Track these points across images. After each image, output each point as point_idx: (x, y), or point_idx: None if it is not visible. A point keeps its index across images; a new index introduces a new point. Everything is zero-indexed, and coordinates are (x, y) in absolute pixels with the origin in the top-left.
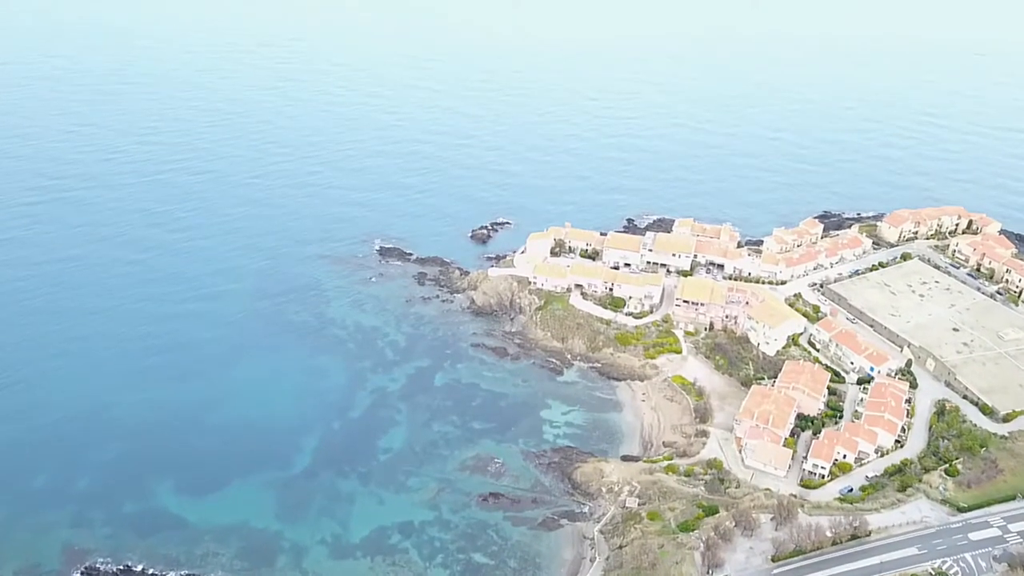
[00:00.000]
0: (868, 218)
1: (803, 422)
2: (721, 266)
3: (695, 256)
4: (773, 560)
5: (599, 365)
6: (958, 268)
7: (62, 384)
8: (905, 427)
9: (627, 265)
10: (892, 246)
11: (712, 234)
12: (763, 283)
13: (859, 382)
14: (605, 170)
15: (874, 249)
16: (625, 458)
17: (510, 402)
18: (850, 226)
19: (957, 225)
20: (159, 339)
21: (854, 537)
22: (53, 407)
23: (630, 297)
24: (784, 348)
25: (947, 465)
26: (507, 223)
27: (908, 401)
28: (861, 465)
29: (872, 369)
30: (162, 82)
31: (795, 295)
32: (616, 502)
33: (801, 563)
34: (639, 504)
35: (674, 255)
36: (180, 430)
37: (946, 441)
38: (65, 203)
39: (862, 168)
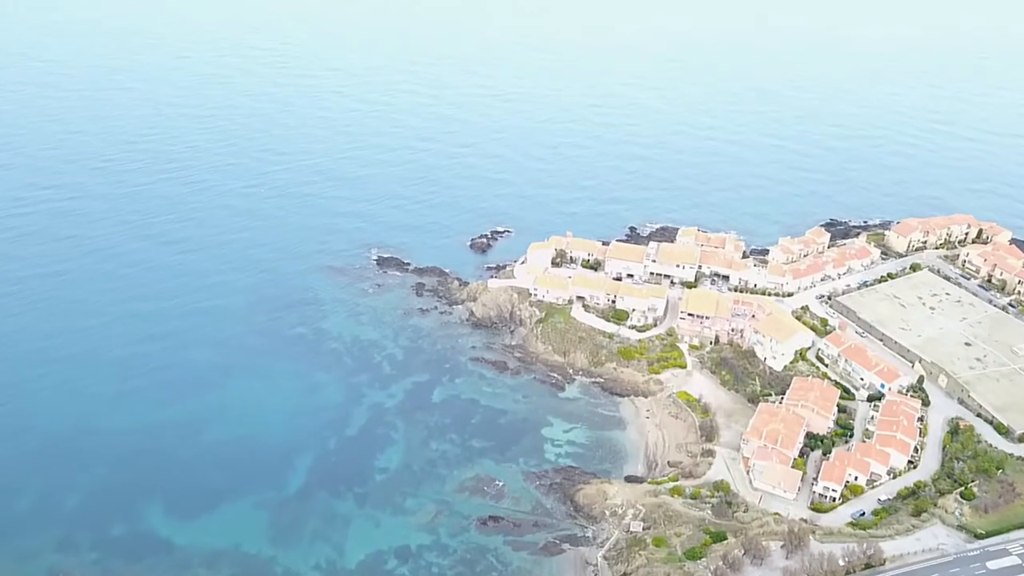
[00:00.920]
0: (875, 226)
1: (812, 441)
2: (726, 277)
3: (699, 267)
4: None
5: (602, 380)
6: (969, 279)
7: (48, 402)
8: (918, 447)
9: (630, 276)
10: (901, 256)
11: (716, 243)
12: (769, 295)
13: (869, 399)
14: (606, 177)
15: (882, 259)
16: (629, 479)
17: (510, 419)
18: (857, 235)
19: (967, 234)
20: (149, 355)
21: (868, 567)
22: (39, 427)
23: (633, 309)
24: (792, 363)
25: (963, 488)
26: (507, 231)
27: (920, 419)
28: (873, 487)
29: (883, 386)
30: (154, 87)
31: (802, 308)
32: (620, 526)
33: None
34: (644, 528)
35: (678, 266)
36: (170, 449)
37: (961, 463)
38: (52, 214)
39: (867, 174)
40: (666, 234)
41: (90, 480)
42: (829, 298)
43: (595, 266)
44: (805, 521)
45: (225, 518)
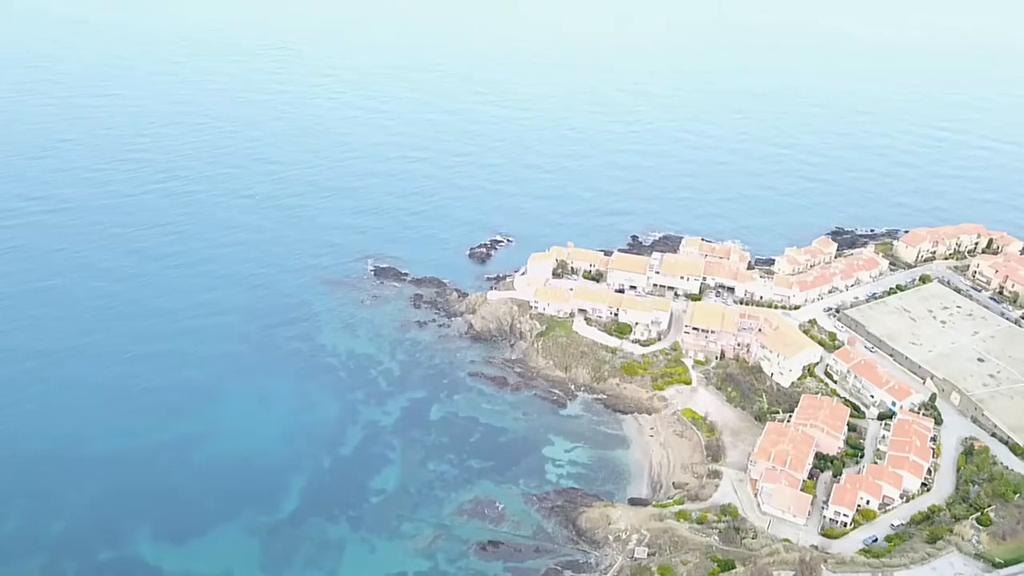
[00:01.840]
0: (881, 235)
1: (821, 462)
2: (731, 289)
3: (704, 278)
4: None
5: (604, 397)
6: (980, 291)
7: (34, 422)
8: (931, 469)
9: (632, 288)
10: (910, 267)
11: (721, 253)
12: (775, 307)
13: (880, 417)
14: (607, 185)
15: (891, 270)
16: (633, 501)
17: (510, 438)
18: (864, 244)
19: (976, 244)
20: (140, 370)
21: None
22: (24, 448)
23: (636, 323)
24: (799, 379)
25: (979, 513)
26: (507, 240)
27: (933, 439)
28: (885, 511)
29: (894, 404)
30: (144, 95)
31: (810, 321)
32: (624, 552)
33: None
34: (649, 555)
35: (682, 277)
36: (160, 470)
37: (976, 486)
38: (40, 227)
39: (873, 182)
40: (669, 243)
41: (76, 504)
42: (837, 311)
43: (597, 277)
44: (816, 548)
45: (215, 543)
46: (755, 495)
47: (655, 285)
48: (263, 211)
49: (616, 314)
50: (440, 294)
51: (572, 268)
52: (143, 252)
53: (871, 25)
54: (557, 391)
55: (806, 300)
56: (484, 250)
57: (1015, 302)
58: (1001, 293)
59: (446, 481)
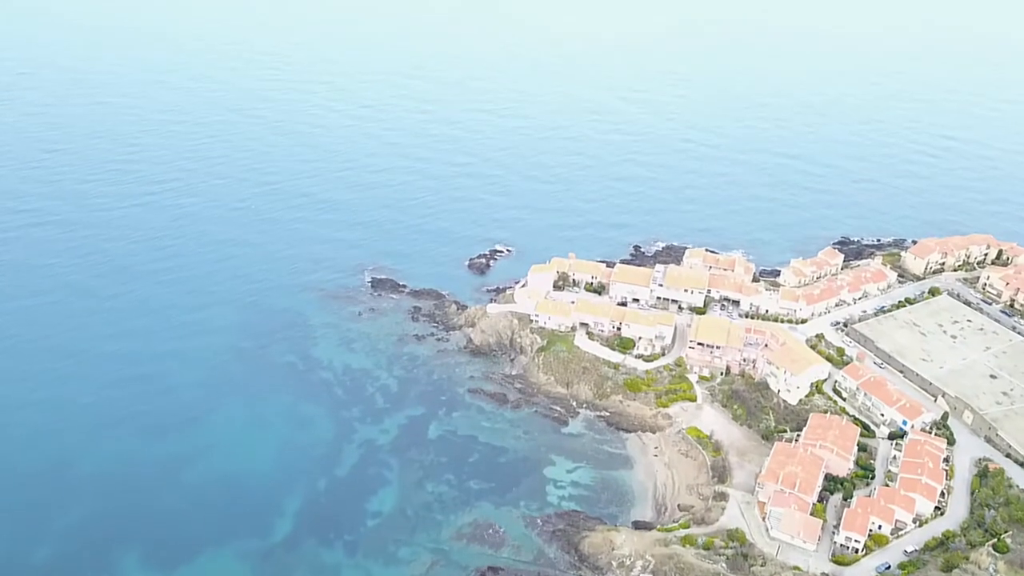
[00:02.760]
0: (888, 244)
1: (831, 484)
2: (736, 302)
3: (708, 291)
4: None
5: (607, 414)
6: (990, 304)
7: (20, 440)
8: (944, 491)
9: (635, 300)
10: (918, 278)
11: (725, 265)
12: (782, 321)
13: (891, 436)
14: (609, 195)
15: (899, 283)
16: (637, 525)
17: (510, 458)
18: (871, 254)
19: (986, 255)
20: (130, 386)
21: None
22: (9, 466)
23: (640, 337)
24: (807, 396)
25: (995, 540)
26: (507, 250)
27: (946, 460)
28: (898, 536)
29: (905, 423)
30: (134, 102)
31: (817, 336)
32: None
33: None
34: None
35: (686, 290)
36: (150, 490)
37: (992, 510)
38: (26, 241)
39: (879, 190)
40: (672, 254)
41: (64, 524)
42: (845, 325)
43: (599, 290)
44: None
45: (206, 568)
46: (763, 519)
47: (659, 298)
48: (257, 223)
49: (619, 328)
50: (439, 307)
51: (573, 280)
52: (132, 268)
53: (873, 29)
54: (558, 408)
55: (813, 314)
56: (484, 261)
57: None
58: (1012, 306)
59: (444, 503)
